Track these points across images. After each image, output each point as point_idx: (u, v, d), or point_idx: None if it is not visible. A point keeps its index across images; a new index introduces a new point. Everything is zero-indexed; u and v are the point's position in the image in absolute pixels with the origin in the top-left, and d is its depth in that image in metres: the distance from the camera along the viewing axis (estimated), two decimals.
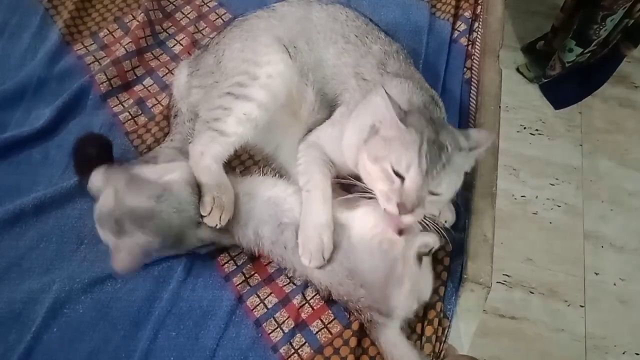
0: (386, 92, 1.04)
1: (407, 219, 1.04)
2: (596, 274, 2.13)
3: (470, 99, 1.48)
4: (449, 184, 1.05)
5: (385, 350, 1.10)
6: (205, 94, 1.33)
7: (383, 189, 1.06)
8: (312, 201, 1.17)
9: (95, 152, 1.29)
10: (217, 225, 1.16)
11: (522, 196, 2.32)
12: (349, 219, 1.18)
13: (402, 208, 1.02)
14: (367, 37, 1.31)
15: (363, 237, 1.15)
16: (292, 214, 1.19)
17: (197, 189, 1.20)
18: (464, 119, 1.45)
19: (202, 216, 1.17)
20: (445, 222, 1.26)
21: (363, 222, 1.17)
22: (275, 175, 1.27)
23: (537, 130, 2.53)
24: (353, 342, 1.14)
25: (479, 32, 1.60)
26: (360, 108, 1.21)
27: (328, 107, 1.30)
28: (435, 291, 1.18)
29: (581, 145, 2.48)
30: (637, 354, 1.96)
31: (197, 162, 1.22)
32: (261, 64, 1.25)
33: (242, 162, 1.40)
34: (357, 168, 1.15)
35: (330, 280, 1.15)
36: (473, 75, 1.53)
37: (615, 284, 2.11)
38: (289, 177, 1.30)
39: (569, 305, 2.06)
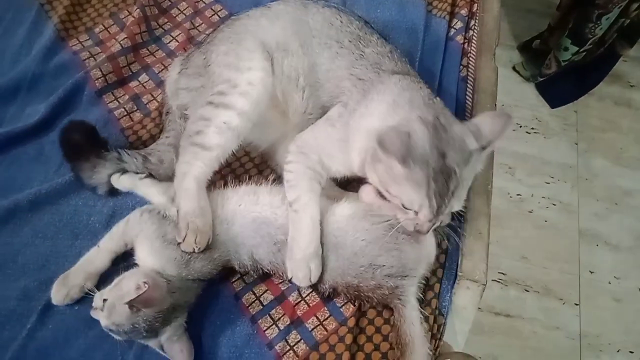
0: (380, 136, 1.00)
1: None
2: (591, 272, 2.14)
3: (467, 96, 1.48)
4: (460, 199, 1.07)
5: (401, 329, 1.11)
6: (191, 100, 1.33)
7: (398, 213, 1.09)
8: (300, 227, 1.15)
9: (82, 138, 1.29)
10: (194, 249, 1.14)
11: (517, 194, 2.33)
12: (329, 216, 1.18)
13: (420, 230, 1.08)
14: (360, 42, 1.29)
15: (345, 221, 1.16)
16: (285, 231, 1.17)
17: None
18: (459, 116, 1.43)
19: (178, 243, 1.15)
20: (442, 221, 1.26)
21: (340, 209, 1.18)
22: (256, 183, 1.24)
23: (532, 128, 2.54)
24: (349, 338, 1.13)
25: (475, 30, 1.60)
26: (364, 113, 1.18)
27: (321, 108, 1.29)
28: (430, 288, 1.19)
29: (577, 144, 2.49)
30: (631, 352, 1.97)
31: (180, 183, 1.21)
32: (242, 69, 1.24)
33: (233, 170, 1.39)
34: (364, 172, 1.15)
35: (334, 279, 1.15)
36: (469, 73, 1.52)
37: (609, 282, 2.12)
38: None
39: (563, 304, 2.07)
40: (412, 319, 1.11)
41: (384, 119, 1.12)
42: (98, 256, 1.19)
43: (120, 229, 1.20)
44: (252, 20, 1.34)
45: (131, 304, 1.02)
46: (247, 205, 1.19)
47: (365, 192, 1.18)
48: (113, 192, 1.31)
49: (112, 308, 1.05)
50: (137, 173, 1.29)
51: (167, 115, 1.41)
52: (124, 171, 1.29)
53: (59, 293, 1.15)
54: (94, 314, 1.08)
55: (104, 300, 1.06)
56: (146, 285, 1.02)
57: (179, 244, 1.14)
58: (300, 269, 1.14)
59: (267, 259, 1.17)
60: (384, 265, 1.12)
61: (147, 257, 1.14)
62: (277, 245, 1.16)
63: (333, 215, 1.17)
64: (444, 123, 1.06)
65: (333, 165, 1.22)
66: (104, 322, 1.06)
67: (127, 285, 1.06)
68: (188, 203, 1.18)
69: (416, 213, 1.05)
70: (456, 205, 1.07)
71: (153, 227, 1.17)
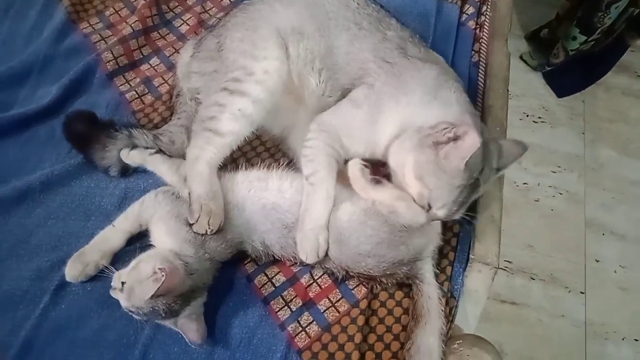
0: (469, 135, 1.03)
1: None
2: (597, 261, 2.14)
3: (479, 82, 1.48)
4: (465, 208, 1.13)
5: (419, 302, 1.13)
6: (204, 84, 1.33)
7: (414, 198, 1.13)
8: (315, 198, 1.16)
9: (85, 126, 1.31)
10: (206, 231, 1.14)
11: (524, 183, 2.33)
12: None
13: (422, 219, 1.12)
14: (380, 24, 1.29)
15: (347, 224, 1.15)
16: (294, 211, 1.17)
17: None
18: (472, 101, 1.43)
19: (190, 225, 1.15)
20: None
21: (342, 213, 1.17)
22: (267, 166, 1.24)
23: (539, 118, 2.53)
24: (361, 320, 1.14)
25: (487, 16, 1.60)
26: (401, 100, 1.19)
27: (340, 90, 1.29)
28: (442, 271, 1.19)
29: (584, 134, 2.49)
30: (636, 340, 1.97)
31: (192, 167, 1.21)
32: (258, 58, 1.24)
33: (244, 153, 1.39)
34: (387, 156, 1.17)
35: (346, 263, 1.16)
36: (481, 59, 1.52)
37: (615, 271, 2.12)
38: (297, 159, 1.29)
39: (569, 292, 2.07)
40: (429, 293, 1.13)
41: (418, 105, 1.16)
42: (113, 235, 1.19)
43: (135, 210, 1.20)
44: (266, 6, 1.34)
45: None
46: (256, 192, 1.19)
47: (353, 169, 1.19)
48: (125, 172, 1.31)
49: (130, 291, 1.05)
50: (147, 148, 1.29)
51: (177, 97, 1.41)
52: (134, 146, 1.29)
53: (74, 269, 1.16)
54: (114, 294, 1.08)
55: (122, 283, 1.06)
56: (163, 274, 1.01)
57: (191, 225, 1.14)
58: (308, 240, 1.14)
59: (277, 244, 1.18)
60: (392, 260, 1.13)
61: (164, 237, 1.14)
62: (287, 228, 1.17)
63: (335, 219, 1.17)
64: (486, 138, 1.09)
65: (353, 146, 1.22)
66: (123, 303, 1.06)
67: (144, 269, 1.06)
68: (201, 186, 1.18)
69: (429, 207, 1.10)
70: (460, 214, 1.12)
71: (167, 207, 1.17)
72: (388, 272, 1.14)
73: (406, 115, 1.16)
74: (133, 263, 1.10)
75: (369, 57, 1.25)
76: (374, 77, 1.23)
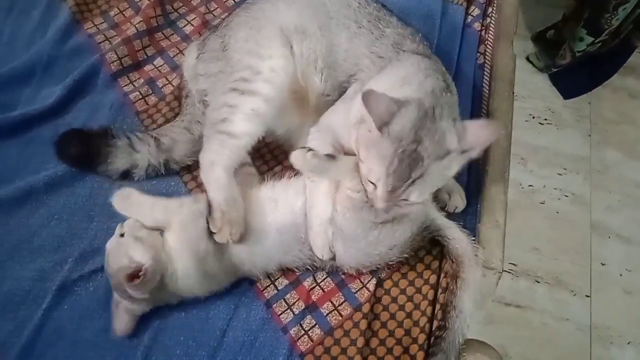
0: (370, 92, 0.99)
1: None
2: (602, 264, 2.13)
3: (484, 84, 1.47)
4: (421, 193, 1.03)
5: (451, 247, 1.16)
6: (210, 86, 1.32)
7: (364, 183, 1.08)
8: (317, 194, 1.15)
9: (79, 147, 1.30)
10: (228, 241, 1.13)
11: (529, 185, 2.31)
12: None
13: (375, 204, 1.06)
14: (379, 22, 1.29)
15: (343, 214, 1.14)
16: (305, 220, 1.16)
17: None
18: (477, 104, 1.43)
19: (212, 233, 1.13)
20: (456, 208, 1.26)
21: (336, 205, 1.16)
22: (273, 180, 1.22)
23: (545, 119, 2.52)
24: (363, 324, 1.14)
25: (492, 17, 1.59)
26: (370, 83, 1.17)
27: (339, 88, 1.29)
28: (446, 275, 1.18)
29: (590, 136, 2.47)
30: None
31: (208, 174, 1.20)
32: (264, 57, 1.24)
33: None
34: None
35: (361, 260, 1.16)
36: (486, 61, 1.51)
37: (621, 275, 2.11)
38: None
39: (574, 295, 2.06)
40: (453, 235, 1.15)
41: (388, 89, 1.08)
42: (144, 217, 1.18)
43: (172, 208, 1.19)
44: (269, 5, 1.33)
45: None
46: (269, 216, 1.17)
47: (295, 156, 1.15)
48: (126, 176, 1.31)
49: (117, 248, 1.10)
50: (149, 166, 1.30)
51: (185, 98, 1.40)
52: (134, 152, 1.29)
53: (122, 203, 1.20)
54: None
55: (121, 234, 1.11)
56: (143, 273, 1.05)
57: (212, 234, 1.13)
58: (319, 235, 1.14)
59: (293, 262, 1.18)
60: (403, 239, 1.13)
61: (174, 237, 1.15)
62: (302, 239, 1.16)
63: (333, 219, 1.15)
64: (436, 115, 1.02)
65: (346, 143, 1.20)
66: (107, 246, 1.13)
67: (135, 251, 1.08)
68: (221, 193, 1.16)
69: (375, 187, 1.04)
70: (414, 195, 1.02)
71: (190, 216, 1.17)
72: (408, 250, 1.14)
73: None
74: (142, 233, 1.13)
75: (365, 53, 1.25)
76: (366, 73, 1.23)
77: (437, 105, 1.04)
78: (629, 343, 1.96)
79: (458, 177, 1.26)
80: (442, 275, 1.19)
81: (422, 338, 1.13)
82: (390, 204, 1.03)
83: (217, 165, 1.18)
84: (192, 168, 1.34)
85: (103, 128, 1.33)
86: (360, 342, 1.12)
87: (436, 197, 1.22)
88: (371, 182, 1.03)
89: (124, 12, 1.66)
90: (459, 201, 1.26)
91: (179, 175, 1.35)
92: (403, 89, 1.10)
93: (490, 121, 1.13)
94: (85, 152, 1.29)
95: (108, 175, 1.30)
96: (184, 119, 1.37)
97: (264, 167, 1.37)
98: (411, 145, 0.98)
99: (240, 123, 1.19)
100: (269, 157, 1.40)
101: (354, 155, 1.12)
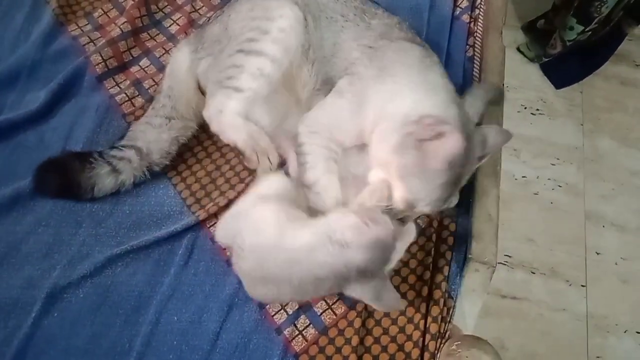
0: (453, 146, 1.00)
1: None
2: (597, 253, 2.12)
3: (474, 76, 1.46)
4: (451, 203, 1.14)
5: None
6: (214, 59, 1.30)
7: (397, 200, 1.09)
8: (324, 208, 1.13)
9: (57, 179, 1.27)
10: (270, 168, 1.18)
11: (522, 176, 2.30)
12: None
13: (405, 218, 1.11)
14: (365, 15, 1.28)
15: None
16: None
17: None
18: None
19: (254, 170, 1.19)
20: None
21: None
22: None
23: (537, 110, 2.50)
24: (357, 322, 1.13)
25: (481, 9, 1.58)
26: (381, 88, 1.16)
27: (329, 83, 1.27)
28: (439, 271, 1.18)
29: (582, 125, 2.46)
30: (638, 333, 1.95)
31: (219, 122, 1.20)
32: (273, 18, 1.22)
33: None
34: (369, 143, 1.15)
35: None
36: (476, 53, 1.50)
37: (616, 264, 2.10)
38: (287, 158, 1.29)
39: (570, 285, 2.05)
40: None
41: (418, 99, 1.11)
42: None
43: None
44: None
45: None
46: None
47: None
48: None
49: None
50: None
51: (158, 94, 1.38)
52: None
53: None
54: None
55: None
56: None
57: (254, 170, 1.20)
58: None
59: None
60: None
61: None
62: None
63: None
64: (470, 131, 1.07)
65: (346, 138, 1.20)
66: None
67: None
68: (242, 132, 1.20)
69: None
70: (446, 207, 1.11)
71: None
72: None
73: (390, 98, 1.13)
74: None
75: (353, 46, 1.23)
76: (357, 65, 1.21)
77: (467, 122, 1.09)
78: (625, 332, 1.96)
79: None
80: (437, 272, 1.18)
81: (416, 335, 1.12)
82: None
83: (226, 112, 1.20)
84: (178, 168, 1.34)
85: (81, 154, 1.28)
86: (355, 340, 1.11)
87: None
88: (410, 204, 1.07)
89: (108, 13, 1.63)
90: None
91: (166, 176, 1.33)
92: (421, 90, 1.13)
93: (502, 128, 1.17)
94: (67, 185, 1.25)
95: (104, 194, 1.28)
96: (149, 114, 1.36)
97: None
98: (459, 171, 1.04)
99: (245, 80, 1.20)
100: None
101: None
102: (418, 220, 1.22)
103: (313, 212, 1.11)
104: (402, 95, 1.12)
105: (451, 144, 0.99)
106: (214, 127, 1.22)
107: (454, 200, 1.10)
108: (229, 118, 1.19)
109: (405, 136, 1.05)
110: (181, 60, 1.38)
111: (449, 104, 1.11)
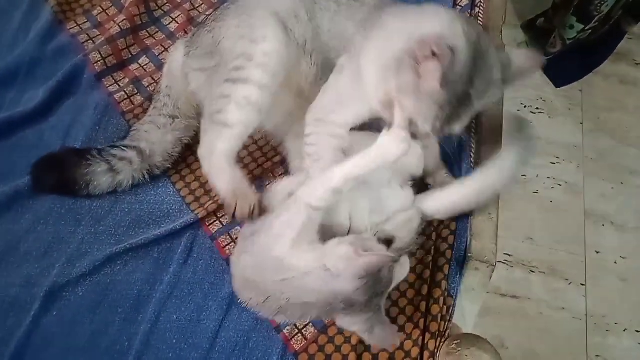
0: (426, 47, 0.92)
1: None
2: (597, 252, 2.12)
3: None
4: (464, 124, 1.03)
5: None
6: (207, 79, 1.29)
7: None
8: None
9: (53, 176, 1.26)
10: (249, 215, 1.14)
11: (522, 175, 2.29)
12: None
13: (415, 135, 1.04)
14: None
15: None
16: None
17: None
18: None
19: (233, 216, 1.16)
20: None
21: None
22: None
23: (537, 108, 2.50)
24: None
25: (481, 7, 1.57)
26: (380, 35, 1.11)
27: (330, 69, 1.24)
28: (439, 270, 1.18)
29: (582, 124, 2.46)
30: (637, 332, 1.95)
31: (209, 164, 1.20)
32: (257, 40, 1.20)
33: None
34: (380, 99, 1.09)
35: None
36: None
37: (616, 262, 2.10)
38: (290, 156, 1.29)
39: (569, 284, 2.05)
40: None
41: (418, 23, 1.04)
42: None
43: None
44: None
45: None
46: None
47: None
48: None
49: None
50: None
51: (157, 94, 1.38)
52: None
53: None
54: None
55: None
56: None
57: (233, 216, 1.15)
58: None
59: None
60: None
61: None
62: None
63: None
64: (484, 47, 0.99)
65: (351, 116, 1.17)
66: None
67: None
68: (225, 177, 1.19)
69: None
70: (458, 128, 1.03)
71: None
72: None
73: (388, 39, 1.07)
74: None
75: (348, 25, 1.21)
76: (353, 40, 1.18)
77: (479, 32, 1.01)
78: (624, 330, 1.96)
79: (451, 170, 1.26)
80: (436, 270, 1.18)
81: (416, 334, 1.12)
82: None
83: (216, 154, 1.19)
84: (179, 168, 1.34)
85: (79, 151, 1.29)
86: (355, 339, 1.11)
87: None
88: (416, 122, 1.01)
89: (107, 11, 1.63)
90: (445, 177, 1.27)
91: (165, 175, 1.33)
92: (433, 19, 1.04)
93: (533, 52, 1.07)
94: (63, 182, 1.25)
95: (102, 192, 1.28)
96: (151, 113, 1.36)
97: (252, 164, 1.35)
98: (464, 88, 0.97)
99: (233, 112, 1.18)
100: (258, 154, 1.38)
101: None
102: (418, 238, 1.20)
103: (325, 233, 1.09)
104: (400, 32, 1.05)
105: (440, 62, 0.93)
106: (205, 168, 1.22)
107: (458, 127, 1.01)
108: (217, 161, 1.19)
109: (402, 58, 1.00)
110: (178, 60, 1.37)
111: (452, 20, 1.02)
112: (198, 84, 1.31)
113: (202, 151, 1.23)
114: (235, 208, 1.15)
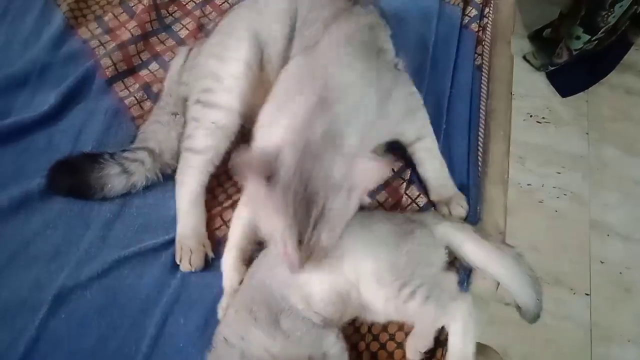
0: (237, 162, 0.93)
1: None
2: (602, 262, 2.12)
3: (482, 85, 1.46)
4: (330, 233, 0.95)
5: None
6: (188, 94, 1.32)
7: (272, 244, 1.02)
8: None
9: (69, 179, 1.27)
10: (191, 270, 1.17)
11: (528, 184, 2.31)
12: None
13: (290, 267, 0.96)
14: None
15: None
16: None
17: None
18: (475, 105, 1.42)
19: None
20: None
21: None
22: None
23: (543, 118, 2.51)
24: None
25: (489, 18, 1.58)
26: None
27: None
28: None
29: (587, 134, 2.47)
30: None
31: (179, 195, 1.23)
32: (226, 60, 1.22)
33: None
34: None
35: None
36: (484, 62, 1.50)
37: (620, 273, 2.10)
38: None
39: (574, 294, 2.05)
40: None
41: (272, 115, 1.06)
42: None
43: None
44: (245, 10, 1.31)
45: None
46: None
47: None
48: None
49: None
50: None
51: (159, 93, 1.41)
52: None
53: None
54: None
55: None
56: None
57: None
58: None
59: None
60: None
61: None
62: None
63: None
64: (314, 150, 0.93)
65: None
66: None
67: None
68: (181, 222, 1.21)
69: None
70: (324, 237, 0.94)
71: None
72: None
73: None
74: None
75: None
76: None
77: (312, 137, 0.95)
78: (629, 341, 1.96)
79: (457, 180, 1.26)
80: None
81: None
82: (304, 255, 0.94)
83: (183, 189, 1.22)
84: None
85: (92, 155, 1.29)
86: (354, 338, 1.11)
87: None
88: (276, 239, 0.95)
89: (118, 17, 1.64)
90: (459, 210, 1.23)
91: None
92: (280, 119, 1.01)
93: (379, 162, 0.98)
94: (78, 185, 1.27)
95: (116, 195, 1.29)
96: (156, 112, 1.38)
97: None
98: (300, 187, 0.91)
99: (201, 139, 1.21)
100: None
101: None
102: None
103: None
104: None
105: (259, 167, 0.92)
106: (176, 193, 1.25)
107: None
108: (180, 202, 1.22)
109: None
110: (178, 65, 1.41)
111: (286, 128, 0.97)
112: (183, 95, 1.34)
113: (176, 177, 1.25)
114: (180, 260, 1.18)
